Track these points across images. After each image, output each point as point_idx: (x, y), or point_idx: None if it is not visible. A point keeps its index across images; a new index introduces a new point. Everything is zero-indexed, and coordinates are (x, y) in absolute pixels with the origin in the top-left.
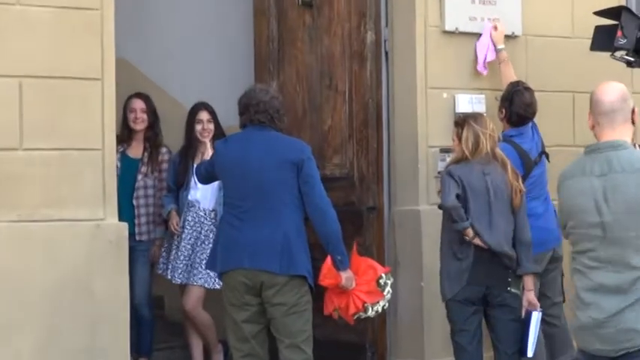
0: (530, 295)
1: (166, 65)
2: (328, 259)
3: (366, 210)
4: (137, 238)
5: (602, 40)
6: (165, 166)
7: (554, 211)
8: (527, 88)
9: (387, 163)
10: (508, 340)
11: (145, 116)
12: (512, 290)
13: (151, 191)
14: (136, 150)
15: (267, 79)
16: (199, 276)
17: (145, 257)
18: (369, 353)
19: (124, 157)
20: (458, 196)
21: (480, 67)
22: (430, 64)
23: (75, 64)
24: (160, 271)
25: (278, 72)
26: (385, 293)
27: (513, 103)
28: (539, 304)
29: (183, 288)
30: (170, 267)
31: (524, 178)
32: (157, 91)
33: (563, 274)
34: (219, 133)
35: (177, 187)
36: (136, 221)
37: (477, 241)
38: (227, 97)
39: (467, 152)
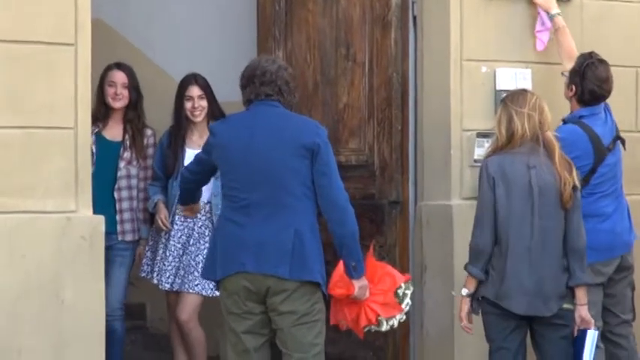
0: (583, 311)
1: (151, 28)
2: (340, 265)
3: (388, 204)
4: (120, 237)
5: None
6: (150, 151)
7: (628, 209)
8: (602, 61)
9: (413, 149)
10: None
11: (126, 92)
12: (565, 305)
13: (134, 182)
14: (113, 131)
15: (272, 46)
16: (196, 282)
17: (124, 259)
18: None
19: (99, 139)
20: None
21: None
22: (466, 31)
23: (43, 25)
24: (143, 274)
25: (285, 38)
26: (404, 306)
27: (586, 78)
28: (593, 322)
29: (170, 295)
30: (157, 269)
31: (594, 170)
32: (140, 59)
33: (634, 288)
34: (215, 111)
35: (166, 174)
36: (118, 217)
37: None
38: (224, 67)
39: (500, 139)
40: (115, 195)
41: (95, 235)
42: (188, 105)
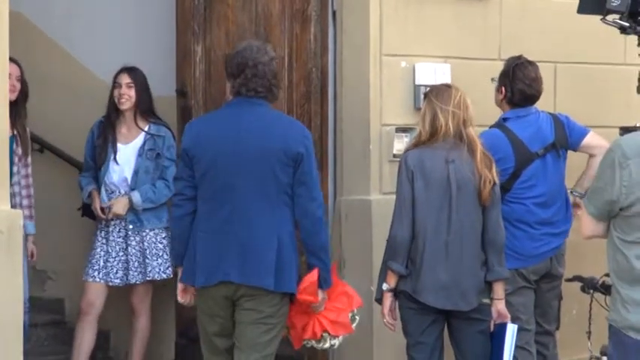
0: (500, 305)
1: (71, 22)
2: (314, 272)
3: None
4: None
5: (592, 1)
6: (30, 149)
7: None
8: (531, 62)
9: (332, 144)
10: (474, 355)
11: (19, 85)
12: (482, 300)
13: (20, 178)
14: None
15: (191, 41)
16: (148, 269)
17: (24, 253)
18: None
19: None
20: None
21: None
22: (386, 26)
23: None
24: (90, 279)
25: (204, 33)
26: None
27: (515, 79)
28: (509, 316)
29: (92, 287)
30: (97, 267)
31: (517, 174)
32: (61, 54)
33: (561, 298)
34: (142, 105)
35: (97, 164)
36: None
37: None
38: (143, 61)
39: (423, 133)
40: (10, 190)
41: (13, 229)
42: (116, 92)
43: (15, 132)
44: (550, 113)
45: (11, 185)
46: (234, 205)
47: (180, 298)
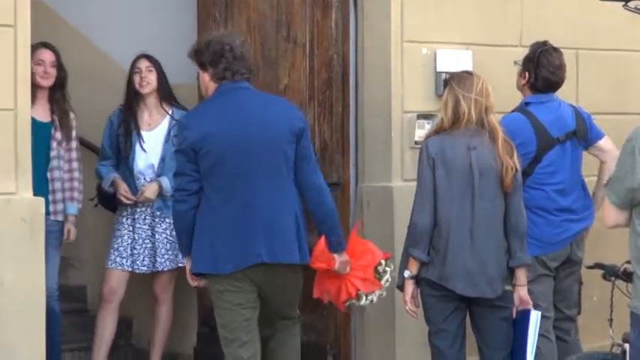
0: (522, 291)
1: (90, 9)
2: (322, 240)
3: (328, 186)
4: (52, 217)
5: None
6: (74, 134)
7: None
8: (556, 49)
9: (354, 131)
10: (497, 343)
11: (54, 71)
12: (505, 287)
13: (62, 162)
14: (42, 112)
15: (212, 28)
16: (179, 256)
17: (57, 240)
18: (329, 357)
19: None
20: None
21: None
22: (407, 13)
23: None
24: (117, 267)
25: (225, 20)
26: (383, 282)
27: (540, 65)
28: (531, 302)
29: (116, 275)
30: (125, 255)
31: (538, 158)
32: (80, 41)
33: (581, 283)
34: (163, 91)
35: (117, 154)
36: (51, 197)
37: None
38: (164, 49)
39: (445, 121)
40: (49, 175)
41: (36, 217)
42: (137, 78)
43: (54, 117)
44: (571, 105)
45: (50, 170)
46: (250, 190)
47: (192, 283)
